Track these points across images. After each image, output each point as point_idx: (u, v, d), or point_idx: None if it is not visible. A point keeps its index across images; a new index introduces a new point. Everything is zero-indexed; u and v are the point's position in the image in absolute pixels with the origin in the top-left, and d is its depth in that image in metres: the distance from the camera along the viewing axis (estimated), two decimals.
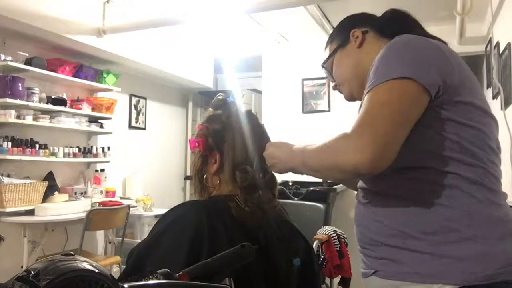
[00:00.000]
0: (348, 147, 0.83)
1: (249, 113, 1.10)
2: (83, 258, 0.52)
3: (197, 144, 1.05)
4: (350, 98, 1.12)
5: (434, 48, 0.90)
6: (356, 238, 1.01)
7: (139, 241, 1.03)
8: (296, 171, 1.00)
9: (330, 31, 3.89)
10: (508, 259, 0.81)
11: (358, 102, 1.05)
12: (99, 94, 3.96)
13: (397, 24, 1.03)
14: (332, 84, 1.16)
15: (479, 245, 0.82)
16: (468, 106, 0.88)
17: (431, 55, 0.89)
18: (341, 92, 1.13)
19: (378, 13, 1.12)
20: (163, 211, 3.96)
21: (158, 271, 0.62)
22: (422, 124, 0.86)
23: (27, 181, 3.12)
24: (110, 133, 3.91)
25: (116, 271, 3.54)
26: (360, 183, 1.01)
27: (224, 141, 1.04)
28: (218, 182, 1.04)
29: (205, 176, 1.06)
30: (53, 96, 3.33)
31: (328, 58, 1.12)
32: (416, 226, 0.86)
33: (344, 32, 1.08)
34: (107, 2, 3.40)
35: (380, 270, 0.91)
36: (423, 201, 0.87)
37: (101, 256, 3.66)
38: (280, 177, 1.12)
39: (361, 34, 1.05)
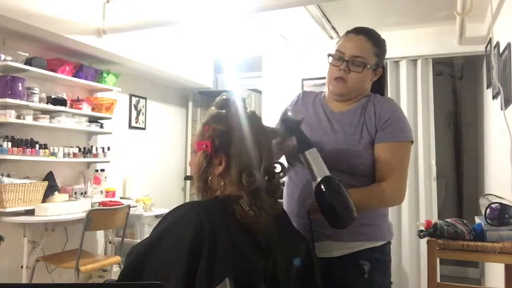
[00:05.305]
0: (394, 193, 1.36)
1: (253, 114, 1.09)
2: None
3: (205, 146, 1.03)
4: (342, 91, 1.42)
5: None
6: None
7: (139, 241, 1.02)
8: None
9: (330, 31, 3.91)
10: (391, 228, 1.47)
11: None
12: (99, 94, 3.96)
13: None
14: (342, 66, 1.40)
15: (388, 223, 1.45)
16: None
17: None
18: (339, 76, 1.41)
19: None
20: (163, 211, 3.98)
21: None
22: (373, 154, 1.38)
23: (27, 181, 3.12)
24: (110, 133, 3.91)
25: (116, 271, 3.54)
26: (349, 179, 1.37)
27: (231, 144, 1.02)
28: (222, 183, 1.04)
29: (210, 178, 1.04)
30: (53, 96, 3.33)
31: (370, 64, 1.41)
32: (374, 211, 1.40)
33: (379, 62, 1.44)
34: (107, 2, 3.40)
35: (333, 235, 1.31)
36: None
37: (101, 256, 3.66)
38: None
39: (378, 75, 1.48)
